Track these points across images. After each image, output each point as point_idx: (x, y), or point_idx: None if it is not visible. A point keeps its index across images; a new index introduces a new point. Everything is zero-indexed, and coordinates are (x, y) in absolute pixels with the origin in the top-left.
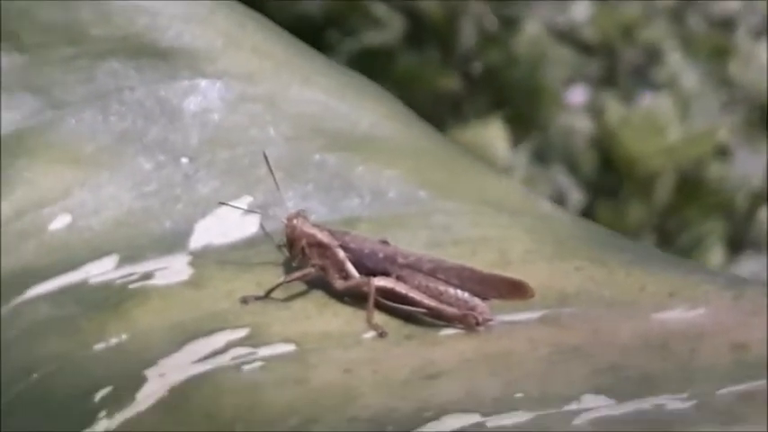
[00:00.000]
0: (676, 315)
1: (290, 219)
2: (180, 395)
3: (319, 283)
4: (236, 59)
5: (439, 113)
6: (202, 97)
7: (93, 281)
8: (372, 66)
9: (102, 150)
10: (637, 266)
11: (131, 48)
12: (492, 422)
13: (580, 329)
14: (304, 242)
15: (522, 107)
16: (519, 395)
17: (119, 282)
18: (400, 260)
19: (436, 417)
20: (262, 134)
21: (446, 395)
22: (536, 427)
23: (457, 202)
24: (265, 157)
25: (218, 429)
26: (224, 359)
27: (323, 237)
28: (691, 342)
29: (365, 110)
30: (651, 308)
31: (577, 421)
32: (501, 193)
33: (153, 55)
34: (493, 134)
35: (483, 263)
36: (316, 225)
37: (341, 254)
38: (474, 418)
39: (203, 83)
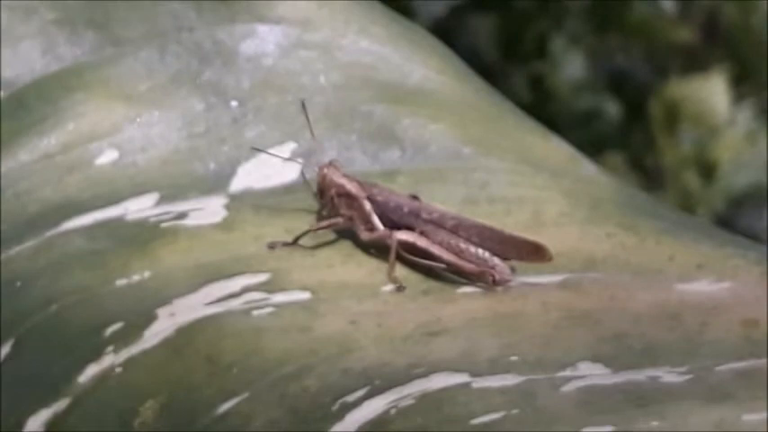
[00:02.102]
0: (700, 287)
1: (321, 168)
2: (185, 336)
3: (348, 234)
4: (294, 5)
5: (672, 65)
6: (259, 41)
7: (129, 217)
8: (607, 14)
9: (156, 89)
10: (669, 235)
11: None
12: (478, 383)
13: (597, 295)
14: (333, 192)
15: (753, 64)
16: (514, 358)
17: (153, 220)
18: (424, 215)
19: (425, 374)
20: (312, 81)
21: (442, 353)
22: (522, 390)
23: (497, 160)
24: (303, 106)
25: (215, 372)
26: (236, 303)
27: (351, 187)
28: (704, 315)
29: (417, 62)
30: (676, 278)
31: (566, 388)
32: (544, 153)
33: None
34: (714, 88)
35: (516, 223)
36: (346, 175)
37: (367, 206)
38: (462, 378)
39: (260, 27)
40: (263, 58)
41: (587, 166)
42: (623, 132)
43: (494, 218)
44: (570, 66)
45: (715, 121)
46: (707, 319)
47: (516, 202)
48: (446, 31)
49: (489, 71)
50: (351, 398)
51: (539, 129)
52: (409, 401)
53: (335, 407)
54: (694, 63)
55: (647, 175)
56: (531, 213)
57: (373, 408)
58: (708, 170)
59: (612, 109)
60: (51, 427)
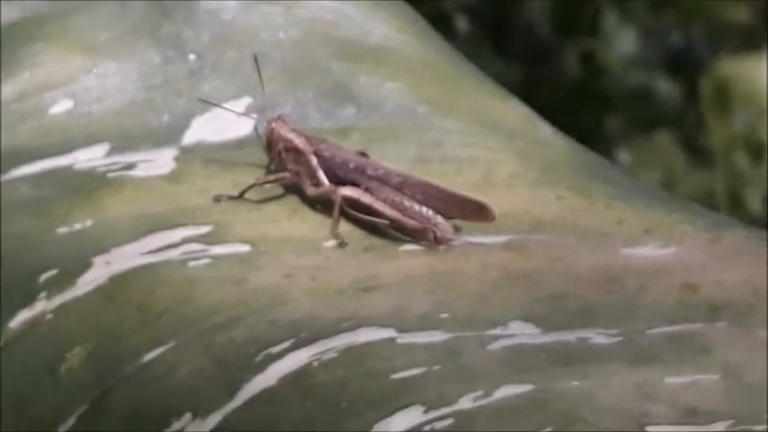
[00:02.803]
0: (645, 252)
1: (269, 122)
2: (118, 284)
3: (296, 189)
4: None
5: (727, 45)
6: None
7: (78, 166)
8: None
9: (115, 40)
10: (620, 200)
11: None
12: (404, 339)
13: (540, 257)
14: (281, 146)
15: None
16: (445, 315)
17: (101, 170)
18: (370, 172)
19: (352, 328)
20: (272, 37)
21: (372, 308)
22: (447, 347)
23: (453, 120)
24: (255, 60)
25: (145, 321)
26: (174, 253)
27: (299, 142)
28: (644, 279)
29: (379, 20)
30: (623, 242)
31: (492, 346)
32: (500, 115)
33: None
34: (760, 70)
35: (466, 183)
36: (294, 130)
37: (314, 161)
38: (388, 333)
39: None
40: (223, 12)
41: (544, 129)
42: (677, 111)
43: (444, 177)
44: (623, 42)
45: (755, 102)
46: (647, 283)
47: (468, 162)
48: (500, 6)
49: (542, 46)
50: (275, 349)
51: (497, 90)
52: (332, 354)
53: (259, 358)
54: (751, 43)
55: (698, 154)
56: (483, 174)
57: (297, 360)
58: (757, 150)
59: (665, 87)
60: None
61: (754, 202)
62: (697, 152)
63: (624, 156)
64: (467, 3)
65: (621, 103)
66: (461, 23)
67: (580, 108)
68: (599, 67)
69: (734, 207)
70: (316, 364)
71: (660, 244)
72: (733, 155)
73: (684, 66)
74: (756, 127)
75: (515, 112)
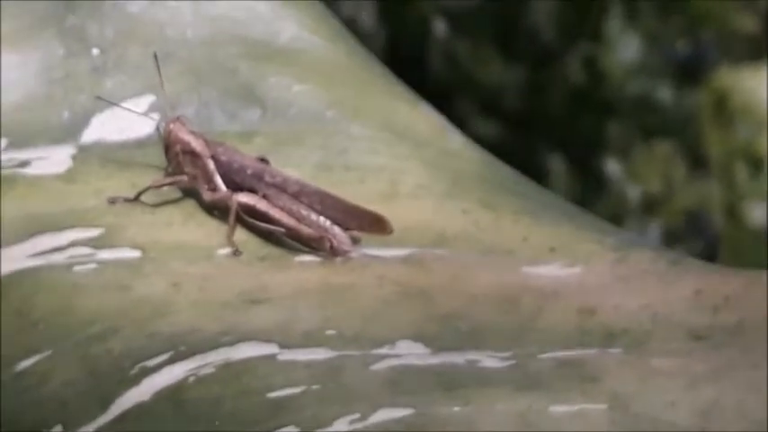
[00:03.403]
0: (548, 271)
1: (167, 123)
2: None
3: (194, 193)
4: None
5: (733, 55)
6: None
7: None
8: (667, 2)
9: (18, 32)
10: (528, 215)
11: None
12: (285, 356)
13: (438, 273)
14: (178, 148)
15: None
16: (331, 332)
17: None
18: (267, 179)
19: (232, 343)
20: (178, 34)
21: (257, 322)
22: (330, 366)
23: (360, 126)
24: (155, 58)
25: (23, 327)
26: (60, 257)
27: (196, 145)
28: (543, 300)
29: (290, 20)
30: (526, 260)
31: (376, 366)
32: (411, 121)
33: None
34: (760, 80)
35: (370, 192)
36: (192, 132)
37: (211, 165)
38: (270, 350)
39: None
40: (130, 5)
41: (455, 138)
42: (680, 120)
43: (348, 186)
44: (627, 48)
45: (753, 114)
46: (544, 305)
47: (374, 170)
48: (504, 8)
49: (546, 50)
50: (151, 363)
51: (408, 96)
52: (209, 370)
53: (134, 371)
54: (759, 53)
55: (699, 165)
56: (388, 183)
57: (173, 374)
58: (756, 162)
59: (668, 95)
60: None
61: (752, 214)
62: (698, 163)
63: (622, 164)
64: (471, 4)
65: (623, 110)
66: (440, 26)
67: (581, 114)
68: (601, 73)
69: (731, 219)
70: (192, 379)
71: (564, 263)
72: (732, 166)
73: (691, 75)
74: (756, 138)
75: (426, 119)
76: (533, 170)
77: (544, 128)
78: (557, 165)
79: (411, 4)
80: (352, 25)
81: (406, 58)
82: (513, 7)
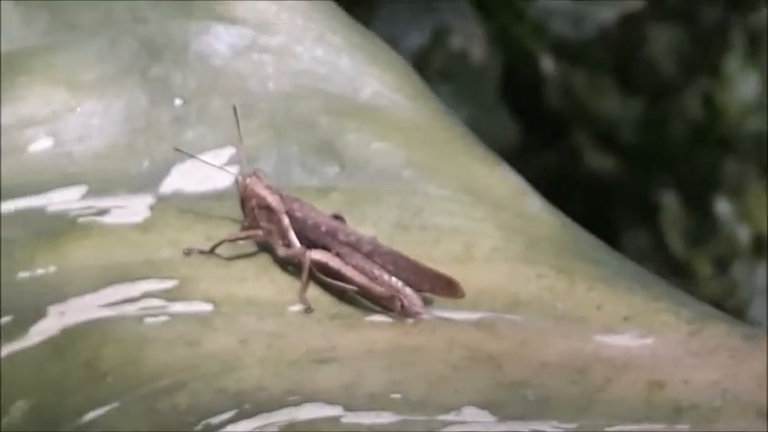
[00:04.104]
0: (620, 341)
1: (244, 177)
2: (69, 337)
3: (269, 248)
4: (253, 6)
5: None
6: (211, 40)
7: (51, 208)
8: None
9: (102, 79)
10: (603, 283)
11: None
12: (349, 418)
13: (509, 339)
14: (254, 203)
15: None
16: (396, 396)
17: (73, 213)
18: (341, 237)
19: (298, 403)
20: (260, 87)
21: (323, 383)
22: (392, 430)
23: (437, 186)
24: (235, 111)
25: (91, 378)
26: (131, 308)
27: (272, 200)
28: (612, 371)
29: (372, 76)
30: (599, 329)
31: None
32: (489, 183)
33: None
34: None
35: (444, 254)
36: (269, 187)
37: (285, 221)
38: (334, 411)
39: (216, 26)
40: (214, 57)
41: (533, 201)
42: None
43: (423, 246)
44: (745, 86)
45: None
46: (614, 376)
47: (449, 231)
48: (620, 40)
49: (664, 84)
50: (216, 420)
51: (488, 157)
52: (273, 429)
53: (199, 427)
54: None
55: None
56: (463, 245)
57: None
58: None
59: None
60: None
61: None
62: None
63: (734, 203)
64: (589, 35)
65: (739, 148)
66: (547, 62)
67: (697, 150)
68: (719, 110)
69: None
70: None
71: (637, 333)
72: None
73: None
74: None
75: (505, 181)
76: (646, 205)
77: (659, 162)
78: (669, 200)
79: (522, 38)
80: (463, 58)
81: (522, 88)
82: (633, 39)
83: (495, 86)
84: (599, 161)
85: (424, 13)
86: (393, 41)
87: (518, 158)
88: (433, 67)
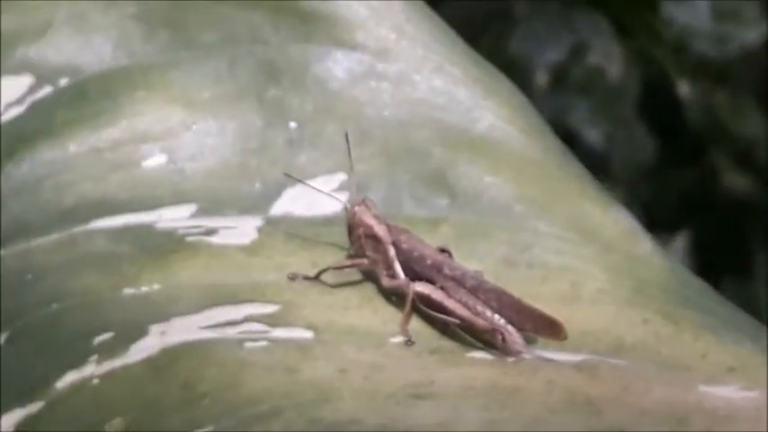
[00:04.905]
0: (724, 392)
1: (353, 205)
2: (169, 357)
3: (374, 277)
4: (374, 34)
5: None
6: (330, 65)
7: (159, 225)
8: None
9: (219, 99)
10: (710, 332)
11: (274, 4)
12: None
13: (610, 383)
14: (361, 231)
15: None
16: None
17: (181, 232)
18: (446, 271)
19: None
20: (376, 114)
21: (418, 419)
22: None
23: (547, 224)
24: (346, 138)
25: (188, 400)
26: (232, 331)
27: (379, 230)
28: (712, 423)
29: (488, 109)
30: (703, 378)
31: None
32: (599, 224)
33: (294, 15)
34: None
35: (551, 293)
36: (377, 216)
37: (391, 251)
38: None
39: (335, 51)
40: (332, 82)
41: (644, 244)
42: None
43: (529, 284)
44: None
45: None
46: (715, 428)
47: (557, 270)
48: (763, 61)
49: None
50: None
51: (601, 197)
52: None
53: None
54: None
55: None
56: (570, 285)
57: None
58: None
59: None
60: (21, 428)
61: None
62: None
63: None
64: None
65: None
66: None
67: None
68: None
69: None
70: None
71: (742, 385)
72: None
73: None
74: None
75: (616, 222)
76: None
77: None
78: None
79: (661, 59)
80: (601, 74)
81: (659, 106)
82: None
83: (633, 104)
84: (736, 181)
85: (562, 29)
86: (531, 57)
87: (654, 176)
88: (570, 83)
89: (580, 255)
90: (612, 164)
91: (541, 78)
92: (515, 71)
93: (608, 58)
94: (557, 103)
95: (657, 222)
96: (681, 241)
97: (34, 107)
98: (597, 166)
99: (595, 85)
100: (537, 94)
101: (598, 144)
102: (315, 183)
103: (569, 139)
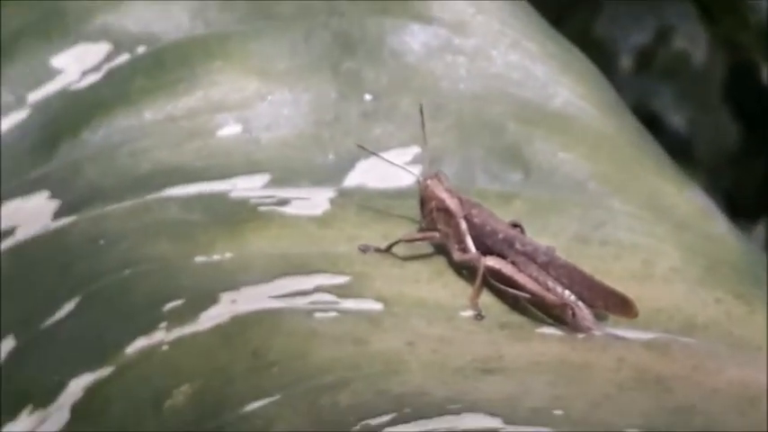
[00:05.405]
0: None
1: (425, 178)
2: (238, 326)
3: (445, 251)
4: (450, 7)
5: None
6: (407, 38)
7: (233, 194)
8: None
9: (294, 70)
10: None
11: None
12: (508, 431)
13: (681, 362)
14: (433, 205)
15: None
16: (559, 412)
17: (254, 201)
18: (518, 246)
19: (458, 411)
20: (451, 87)
21: (486, 393)
22: None
23: (620, 201)
24: (421, 111)
25: (256, 368)
26: (302, 301)
27: (451, 203)
28: None
29: (564, 85)
30: None
31: None
32: (674, 203)
33: None
34: None
35: (623, 270)
36: (449, 190)
37: (463, 225)
38: (494, 423)
39: (412, 24)
40: (408, 55)
41: (719, 224)
42: None
43: (601, 261)
44: None
45: None
46: None
47: (629, 248)
48: None
49: None
50: (374, 421)
51: (676, 177)
52: None
53: (357, 427)
54: None
55: None
56: (642, 263)
57: None
58: None
59: None
60: (90, 393)
61: None
62: None
63: None
64: None
65: None
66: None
67: None
68: None
69: None
70: None
71: None
72: None
73: None
74: None
75: (690, 201)
76: None
77: None
78: None
79: (747, 45)
80: (686, 58)
81: (745, 91)
82: None
83: (718, 89)
84: None
85: (647, 12)
86: (615, 40)
87: (737, 162)
88: (655, 67)
89: (653, 233)
90: (695, 149)
91: (626, 62)
92: (600, 54)
93: (693, 42)
94: (641, 87)
95: (739, 209)
96: (762, 228)
97: (111, 74)
98: (680, 151)
99: (680, 69)
100: (621, 78)
101: (681, 129)
102: (388, 155)
103: (653, 123)
